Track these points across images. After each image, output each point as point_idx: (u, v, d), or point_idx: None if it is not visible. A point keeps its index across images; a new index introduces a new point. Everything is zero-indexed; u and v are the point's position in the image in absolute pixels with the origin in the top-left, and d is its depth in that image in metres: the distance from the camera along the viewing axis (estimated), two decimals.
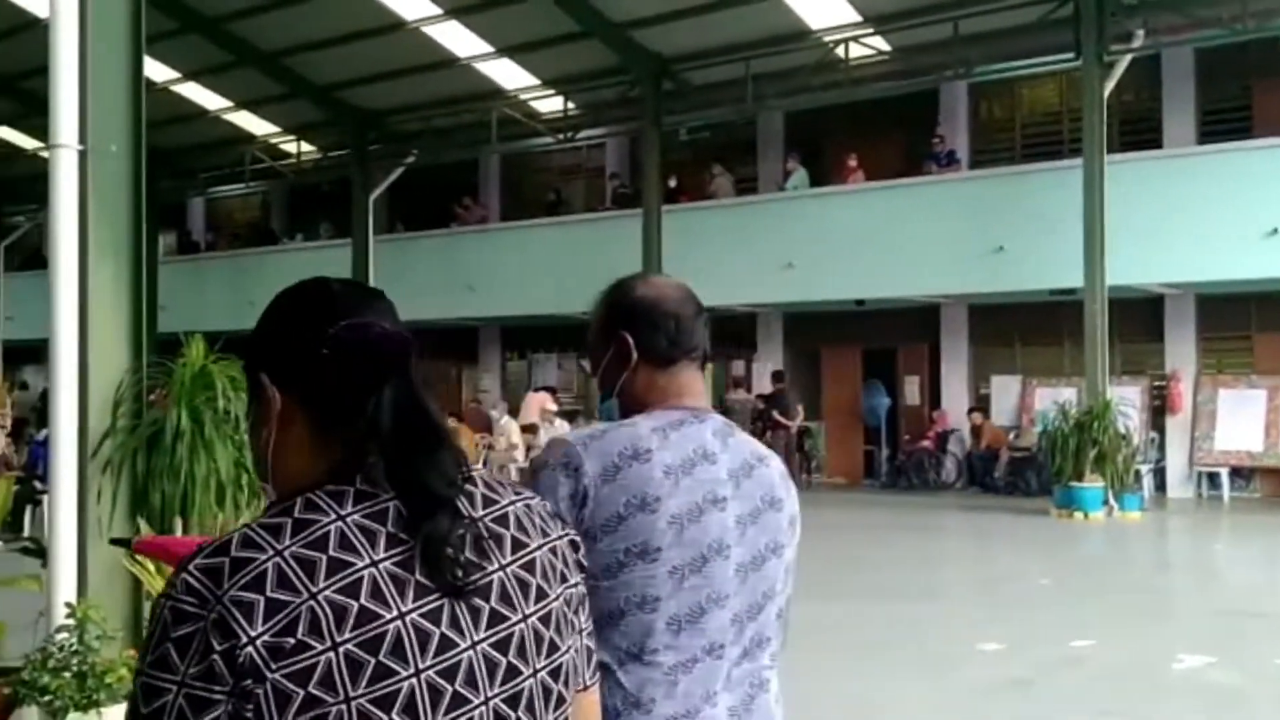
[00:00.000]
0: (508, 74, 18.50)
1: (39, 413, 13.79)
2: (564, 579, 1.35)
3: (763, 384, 18.49)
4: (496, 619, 1.24)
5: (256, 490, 5.52)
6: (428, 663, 1.18)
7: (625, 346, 2.03)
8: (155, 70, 18.37)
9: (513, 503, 1.35)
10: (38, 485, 11.46)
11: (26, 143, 22.32)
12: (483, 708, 1.21)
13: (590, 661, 1.43)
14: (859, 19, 15.92)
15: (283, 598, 1.13)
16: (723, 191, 18.22)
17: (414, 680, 1.17)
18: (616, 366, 2.06)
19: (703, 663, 1.89)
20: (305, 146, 21.86)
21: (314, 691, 1.12)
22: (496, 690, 1.23)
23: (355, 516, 1.21)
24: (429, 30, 17.11)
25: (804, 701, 6.20)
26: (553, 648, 1.30)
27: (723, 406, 17.36)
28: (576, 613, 1.37)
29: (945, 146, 16.91)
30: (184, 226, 25.44)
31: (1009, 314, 17.05)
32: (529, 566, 1.30)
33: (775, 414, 17.00)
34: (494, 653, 1.23)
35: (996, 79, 16.87)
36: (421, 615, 1.19)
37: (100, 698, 4.91)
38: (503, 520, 1.31)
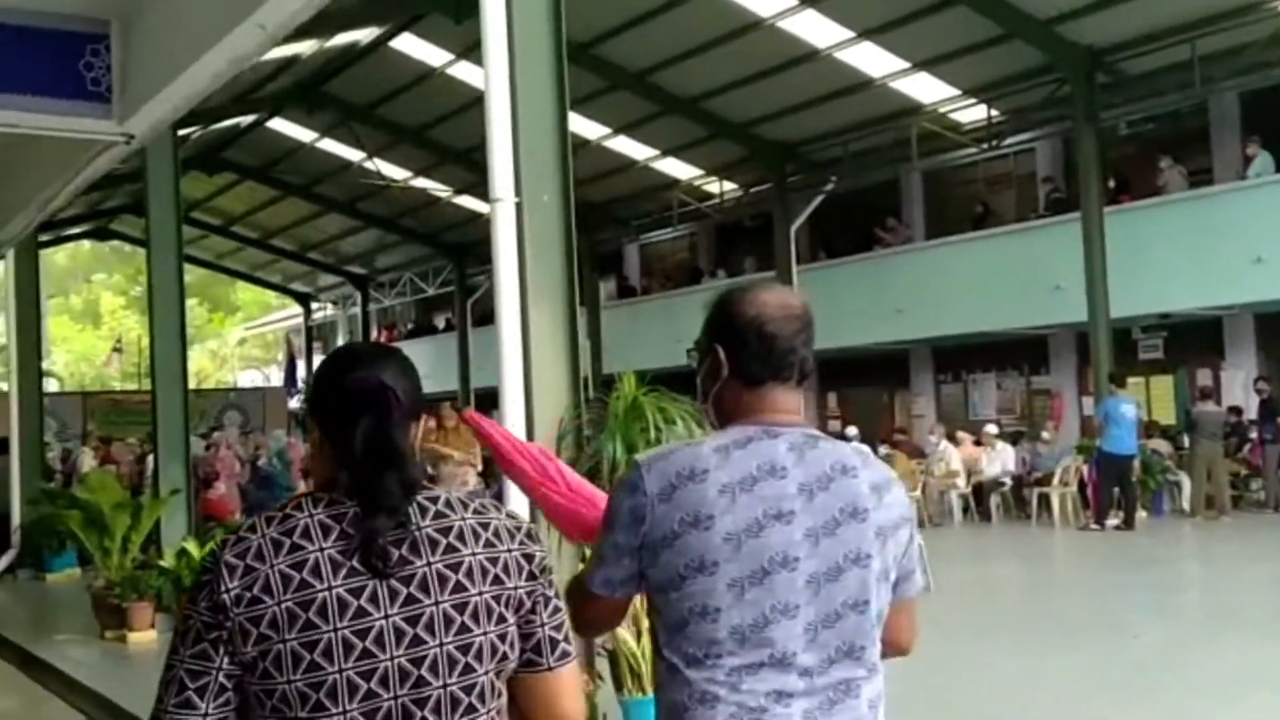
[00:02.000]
0: (925, 88, 18.03)
1: None
2: (498, 580, 1.72)
3: (1233, 394, 16.61)
4: (411, 600, 1.65)
5: None
6: (344, 623, 1.62)
7: (717, 361, 2.10)
8: (588, 128, 19.64)
9: (464, 519, 1.74)
10: None
11: (484, 208, 24.66)
12: (389, 663, 1.63)
13: (555, 648, 1.79)
14: None
15: (253, 564, 1.64)
16: (1174, 186, 16.62)
17: (331, 634, 1.61)
18: (709, 377, 2.13)
19: (769, 667, 1.96)
20: (727, 185, 22.49)
21: (264, 631, 1.61)
22: (401, 652, 1.64)
23: (320, 515, 1.68)
24: (842, 55, 17.04)
25: None
26: (463, 629, 1.68)
27: (1189, 419, 15.76)
28: (518, 609, 1.74)
29: None
30: (621, 272, 27.00)
31: None
32: (454, 566, 1.69)
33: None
34: (403, 624, 1.64)
35: None
36: (345, 590, 1.63)
37: None
38: (445, 531, 1.71)
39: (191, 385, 29.85)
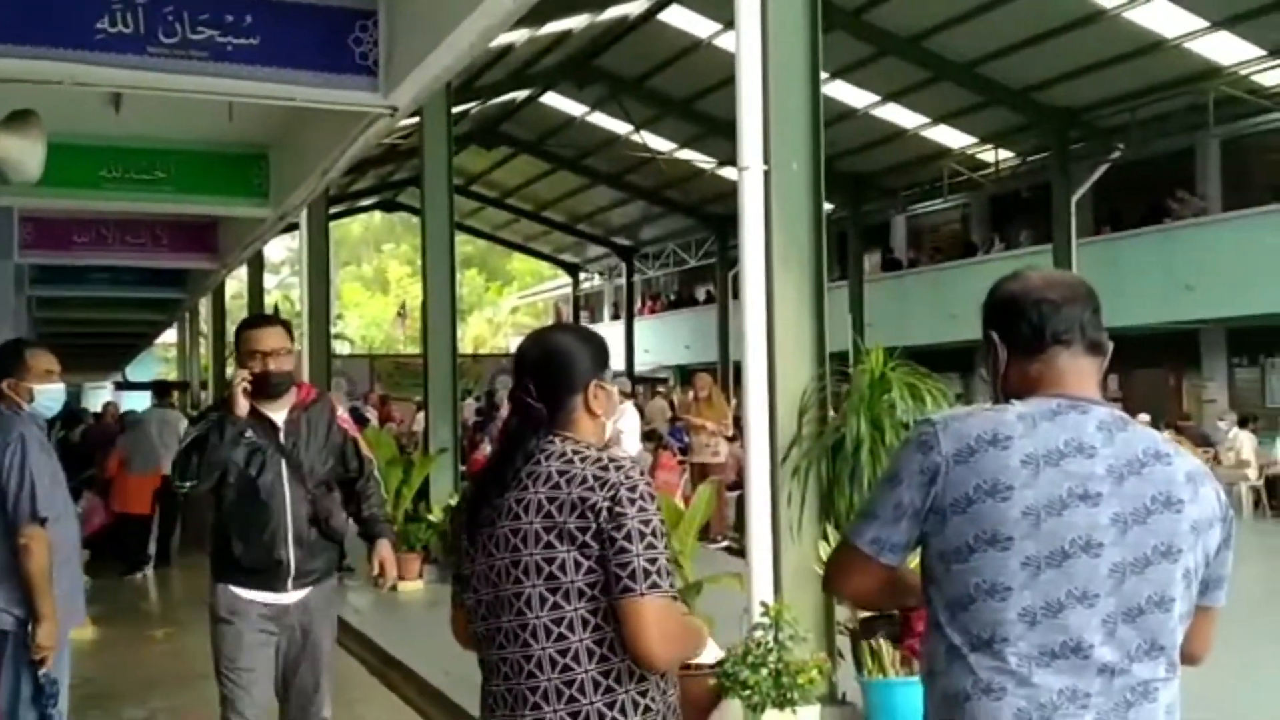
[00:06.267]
0: (1225, 48, 16.56)
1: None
2: (549, 515, 2.14)
3: None
4: (511, 516, 2.20)
5: None
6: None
7: (993, 346, 2.04)
8: (855, 96, 19.23)
9: (549, 467, 2.17)
10: None
11: None
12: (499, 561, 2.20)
13: (617, 583, 2.08)
14: None
15: None
16: None
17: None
18: (993, 367, 2.05)
19: (1064, 659, 1.84)
20: (1003, 154, 21.52)
21: (459, 545, 2.35)
22: (504, 555, 2.19)
23: None
24: (1131, 15, 15.89)
25: None
26: (514, 549, 2.17)
27: None
28: (571, 540, 2.11)
29: None
30: (887, 245, 26.37)
31: None
32: (519, 500, 2.18)
33: None
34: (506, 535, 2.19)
35: None
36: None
37: (794, 697, 5.05)
38: (531, 474, 2.18)
39: (469, 351, 31.43)
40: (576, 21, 18.29)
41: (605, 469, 2.14)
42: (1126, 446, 1.91)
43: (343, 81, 4.97)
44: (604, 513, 2.09)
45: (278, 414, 4.22)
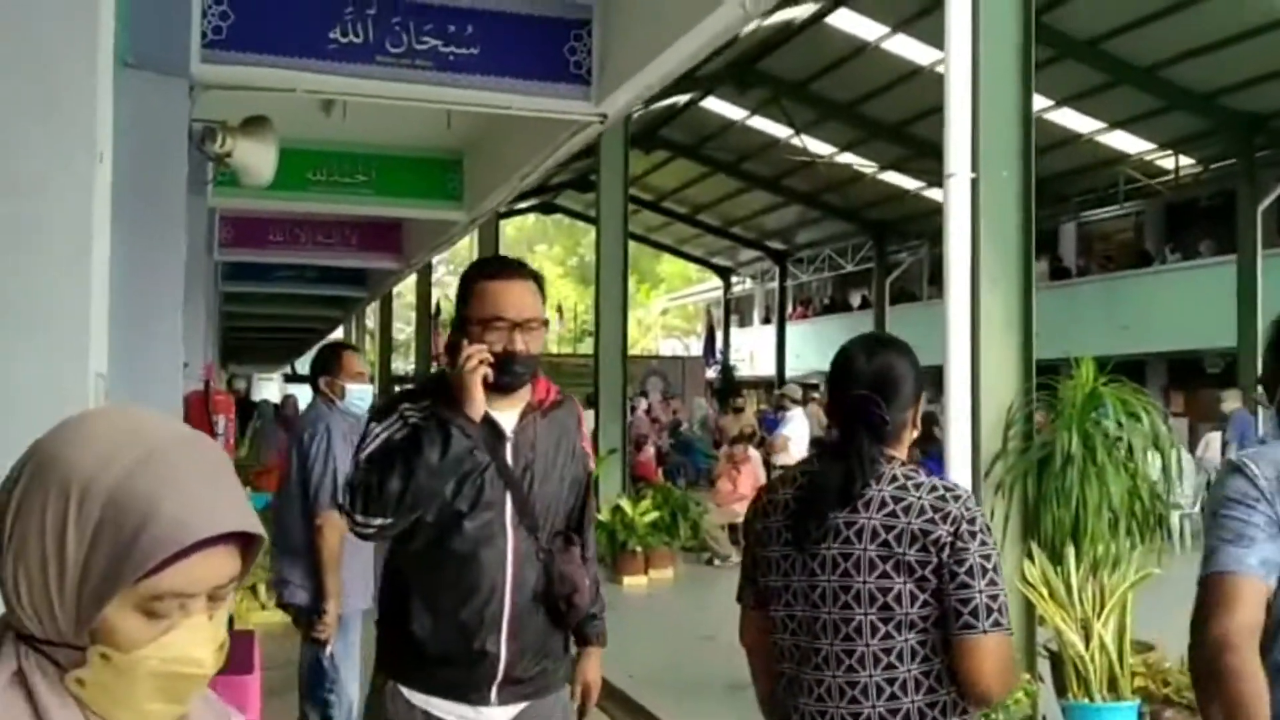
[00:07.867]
0: None
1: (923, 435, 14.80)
2: (886, 544, 2.10)
3: None
4: (843, 540, 2.17)
5: (1152, 520, 5.19)
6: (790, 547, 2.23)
7: None
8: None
9: (882, 490, 2.14)
10: None
11: (909, 184, 24.19)
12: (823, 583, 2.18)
13: (958, 618, 2.06)
14: None
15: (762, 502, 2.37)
16: None
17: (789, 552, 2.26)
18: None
19: None
20: (1183, 160, 20.65)
21: (763, 554, 2.30)
22: (835, 577, 2.18)
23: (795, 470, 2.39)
24: None
25: None
26: (845, 573, 2.13)
27: None
28: (910, 573, 2.09)
29: None
30: (1055, 252, 25.59)
31: None
32: (849, 523, 2.15)
33: None
34: (837, 557, 2.18)
35: None
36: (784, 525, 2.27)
37: (998, 718, 4.94)
38: (859, 497, 2.15)
39: None
40: (744, 26, 18.27)
41: (943, 499, 2.12)
42: None
43: (556, 90, 5.07)
44: (946, 547, 2.08)
45: (506, 417, 2.65)
